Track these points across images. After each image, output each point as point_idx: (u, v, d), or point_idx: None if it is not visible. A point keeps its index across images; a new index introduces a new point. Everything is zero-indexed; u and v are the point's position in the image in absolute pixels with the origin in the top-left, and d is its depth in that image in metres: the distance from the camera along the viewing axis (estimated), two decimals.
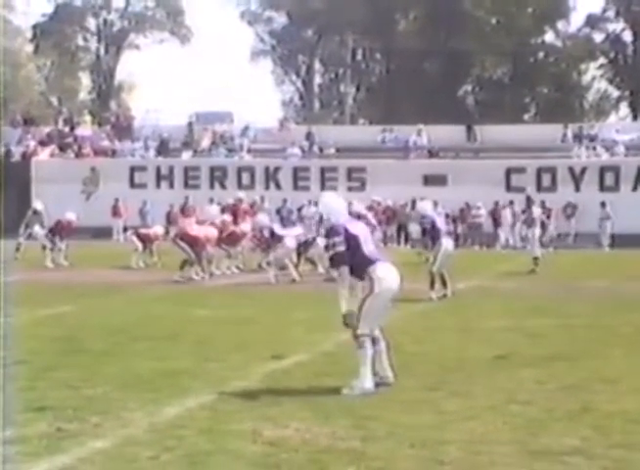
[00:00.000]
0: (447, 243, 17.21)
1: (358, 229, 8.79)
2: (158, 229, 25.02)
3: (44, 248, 24.27)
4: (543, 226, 26.60)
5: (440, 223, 17.63)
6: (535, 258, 22.65)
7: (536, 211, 24.41)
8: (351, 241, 8.53)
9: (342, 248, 8.48)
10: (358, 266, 8.47)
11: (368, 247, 8.63)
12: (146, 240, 23.98)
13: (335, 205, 8.97)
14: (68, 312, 14.44)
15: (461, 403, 7.93)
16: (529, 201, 24.39)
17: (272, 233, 20.66)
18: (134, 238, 24.03)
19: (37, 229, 25.07)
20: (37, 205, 27.00)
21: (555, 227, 33.74)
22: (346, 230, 8.58)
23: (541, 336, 12.00)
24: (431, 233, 17.17)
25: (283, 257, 20.42)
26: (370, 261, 8.51)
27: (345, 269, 8.47)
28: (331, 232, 8.66)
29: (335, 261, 8.61)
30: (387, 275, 8.49)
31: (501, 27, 60.94)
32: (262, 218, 21.94)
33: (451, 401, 8.00)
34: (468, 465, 6.22)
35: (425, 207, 18.52)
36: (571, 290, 18.55)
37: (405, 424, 7.21)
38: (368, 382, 8.35)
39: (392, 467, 6.17)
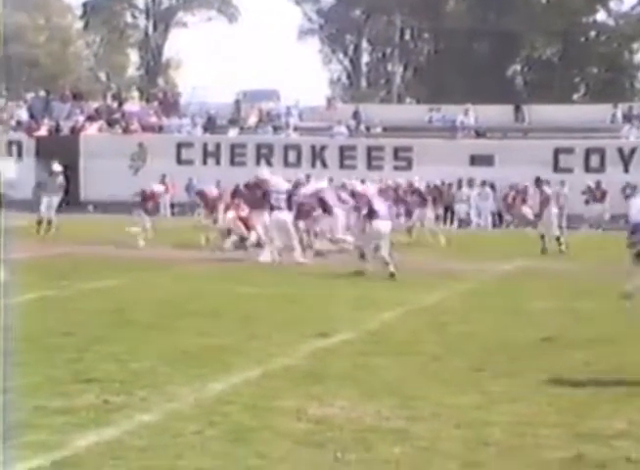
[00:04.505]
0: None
1: None
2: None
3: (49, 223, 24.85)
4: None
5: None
6: (557, 239, 22.37)
7: (548, 190, 24.03)
8: None
9: None
10: None
11: None
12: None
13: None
14: (115, 286, 14.55)
15: (507, 384, 7.89)
16: (539, 181, 24.10)
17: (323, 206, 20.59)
18: (239, 223, 21.41)
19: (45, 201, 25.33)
20: (55, 166, 26.89)
21: (609, 208, 33.50)
22: None
23: (588, 318, 11.90)
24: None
25: (331, 230, 20.43)
26: None
27: None
28: (637, 229, 8.75)
29: None
30: None
31: (551, 7, 60.15)
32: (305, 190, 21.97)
33: (497, 382, 7.96)
34: (513, 447, 6.18)
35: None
36: (619, 272, 18.31)
37: (450, 404, 7.19)
38: None
39: (437, 447, 6.15)
